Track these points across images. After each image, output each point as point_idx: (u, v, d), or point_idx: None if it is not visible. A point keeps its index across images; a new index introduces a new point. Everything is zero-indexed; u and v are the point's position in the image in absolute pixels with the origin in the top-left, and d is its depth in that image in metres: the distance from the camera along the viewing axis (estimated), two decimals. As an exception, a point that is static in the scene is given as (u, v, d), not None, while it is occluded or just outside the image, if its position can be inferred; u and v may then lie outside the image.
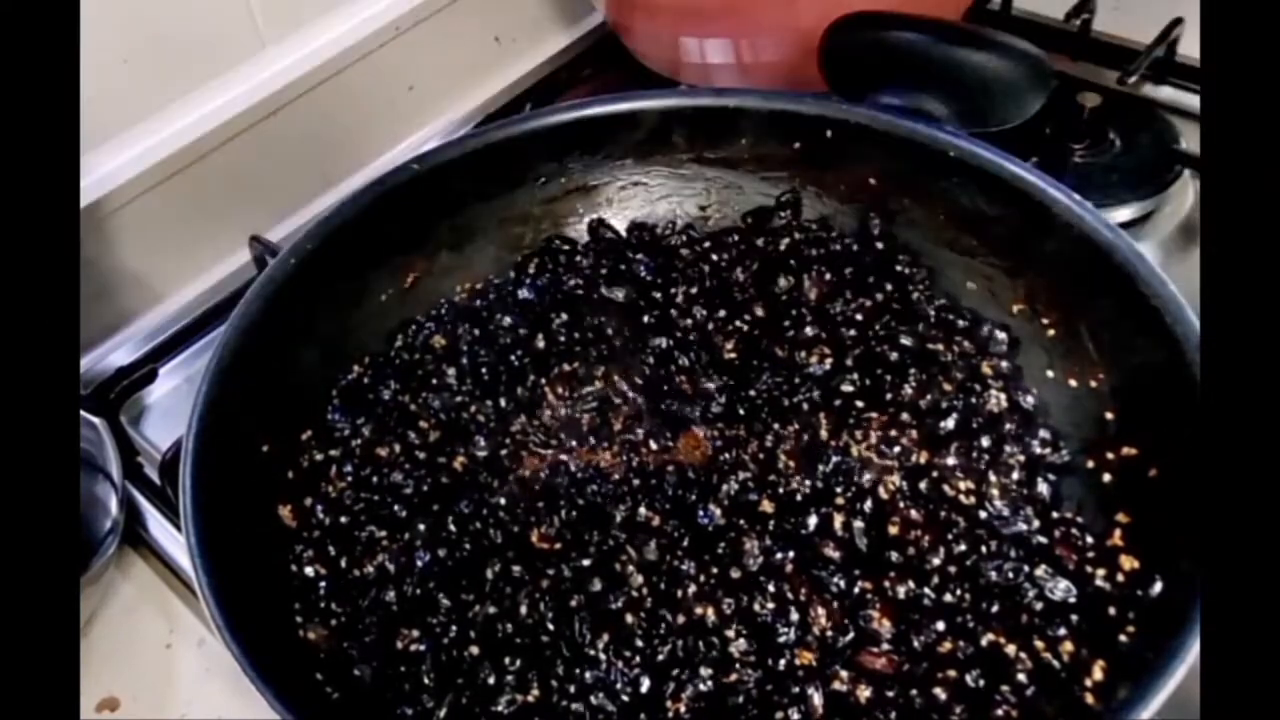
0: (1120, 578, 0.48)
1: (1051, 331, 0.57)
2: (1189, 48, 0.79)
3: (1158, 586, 0.46)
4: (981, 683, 0.46)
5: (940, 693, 0.46)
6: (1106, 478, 0.52)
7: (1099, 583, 0.48)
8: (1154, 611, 0.45)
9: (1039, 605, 0.48)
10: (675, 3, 0.77)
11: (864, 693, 0.46)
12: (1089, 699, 0.44)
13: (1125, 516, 0.50)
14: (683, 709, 0.47)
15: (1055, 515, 0.51)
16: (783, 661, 0.47)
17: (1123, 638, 0.46)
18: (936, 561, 0.50)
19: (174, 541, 0.60)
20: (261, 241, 0.70)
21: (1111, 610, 0.47)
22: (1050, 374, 0.57)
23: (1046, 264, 0.56)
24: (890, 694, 0.46)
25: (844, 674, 0.47)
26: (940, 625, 0.48)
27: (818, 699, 0.46)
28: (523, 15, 0.90)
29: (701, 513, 0.53)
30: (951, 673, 0.46)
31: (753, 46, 0.74)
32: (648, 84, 0.84)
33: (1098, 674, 0.45)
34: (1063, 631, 0.47)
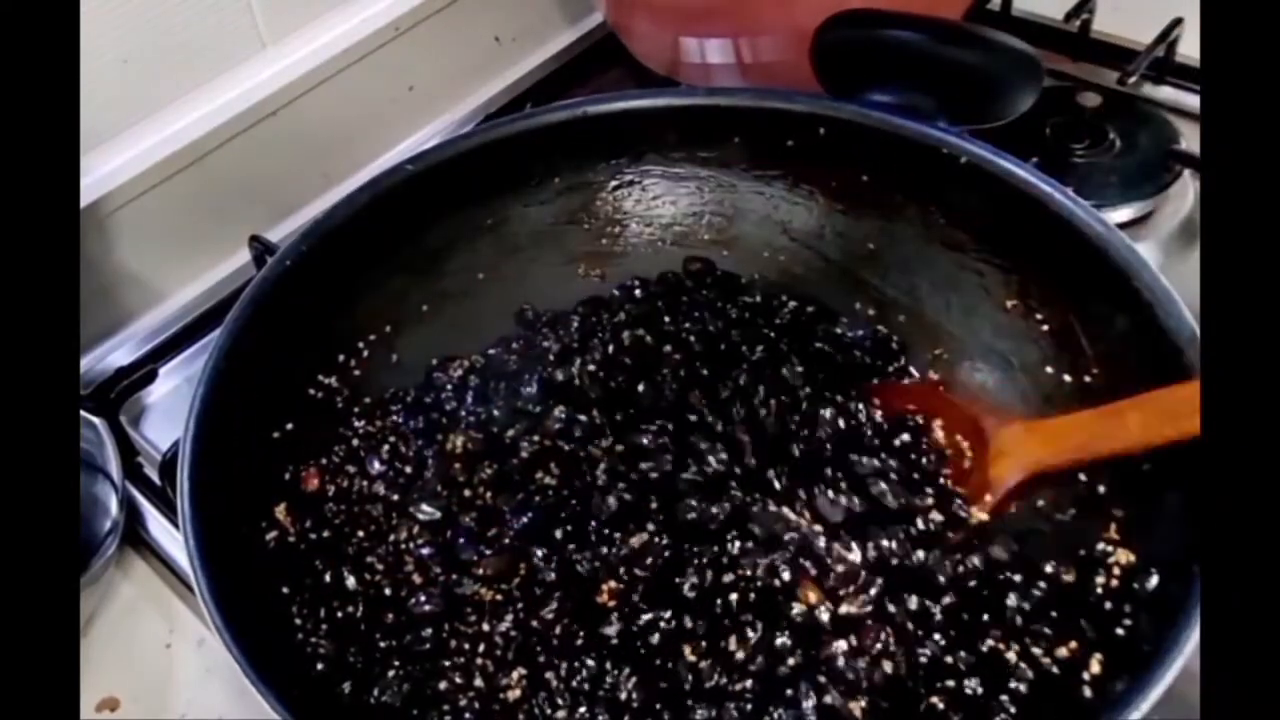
0: (1117, 572, 0.48)
1: (1045, 328, 0.57)
2: (1189, 48, 0.79)
3: (1154, 580, 0.46)
4: (980, 690, 0.46)
5: (938, 702, 0.46)
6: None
7: (1096, 578, 0.48)
8: (1150, 605, 0.46)
9: (1038, 603, 0.48)
10: (675, 3, 0.77)
11: (859, 704, 0.46)
12: (1087, 693, 0.44)
13: (1120, 510, 0.50)
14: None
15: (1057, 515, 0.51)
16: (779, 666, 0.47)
17: (1119, 631, 0.46)
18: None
19: (174, 541, 0.60)
20: (261, 241, 0.70)
21: (1108, 605, 0.47)
22: (1048, 370, 0.57)
23: (1040, 260, 0.56)
24: (885, 705, 0.46)
25: (837, 684, 0.47)
26: (938, 632, 0.48)
27: (809, 707, 0.46)
28: (523, 15, 0.90)
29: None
30: (950, 682, 0.46)
31: (752, 46, 0.74)
32: (648, 84, 0.84)
33: (1095, 668, 0.45)
34: (1061, 628, 0.47)
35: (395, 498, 0.56)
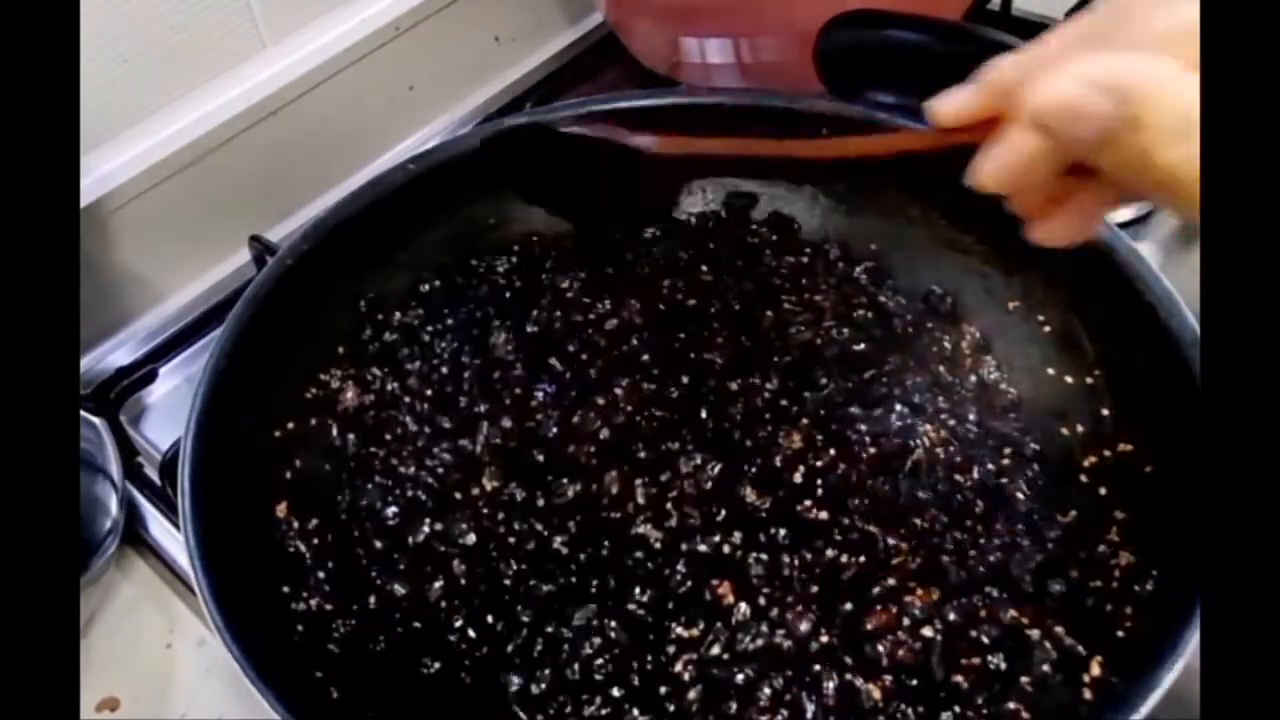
0: (1117, 573, 0.48)
1: (1048, 329, 0.57)
2: (1189, 47, 0.79)
3: (1154, 581, 0.46)
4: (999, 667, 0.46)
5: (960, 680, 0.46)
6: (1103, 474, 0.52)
7: (1097, 579, 0.48)
8: (1151, 607, 0.46)
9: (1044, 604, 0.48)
10: (675, 3, 0.77)
11: (879, 685, 0.46)
12: (1087, 694, 0.44)
13: (1122, 512, 0.50)
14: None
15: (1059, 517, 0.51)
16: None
17: (1120, 633, 0.46)
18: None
19: (174, 541, 0.60)
20: (261, 241, 0.70)
21: (1109, 606, 0.47)
22: (1050, 371, 0.57)
23: (1042, 261, 0.56)
24: (913, 682, 0.46)
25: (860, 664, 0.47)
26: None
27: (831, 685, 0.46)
28: (523, 15, 0.90)
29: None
30: (956, 679, 0.46)
31: (752, 46, 0.74)
32: (648, 84, 0.84)
33: (1095, 669, 0.45)
34: (1061, 628, 0.47)
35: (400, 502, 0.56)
